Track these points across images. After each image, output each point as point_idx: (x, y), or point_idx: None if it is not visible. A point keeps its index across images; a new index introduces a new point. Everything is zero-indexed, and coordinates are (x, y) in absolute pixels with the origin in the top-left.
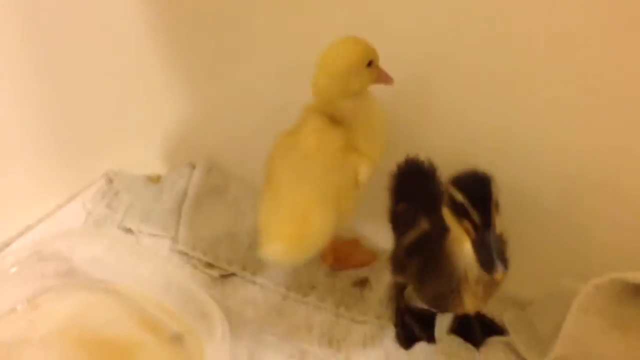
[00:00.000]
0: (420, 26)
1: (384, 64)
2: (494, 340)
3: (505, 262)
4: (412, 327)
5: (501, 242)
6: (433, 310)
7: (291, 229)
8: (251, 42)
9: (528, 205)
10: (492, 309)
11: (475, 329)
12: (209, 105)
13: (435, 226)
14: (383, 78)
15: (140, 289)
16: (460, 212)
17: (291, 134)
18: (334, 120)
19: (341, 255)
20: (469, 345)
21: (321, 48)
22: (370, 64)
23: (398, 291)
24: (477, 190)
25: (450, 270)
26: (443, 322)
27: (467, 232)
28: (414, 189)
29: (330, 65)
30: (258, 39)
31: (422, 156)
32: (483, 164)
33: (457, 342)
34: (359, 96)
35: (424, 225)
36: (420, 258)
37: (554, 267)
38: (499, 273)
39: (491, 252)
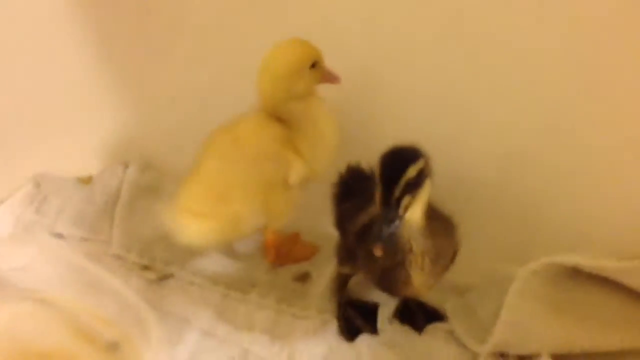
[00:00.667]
0: (368, 24)
1: (333, 62)
2: (436, 327)
3: (390, 244)
4: (354, 320)
5: (396, 224)
6: (384, 290)
7: (206, 207)
8: (181, 39)
9: (465, 192)
10: (434, 296)
11: (417, 316)
12: (141, 103)
13: None
14: (328, 77)
15: (73, 297)
16: (424, 176)
17: (228, 125)
18: (281, 122)
19: (282, 251)
20: (411, 335)
21: (255, 45)
22: (314, 65)
23: (341, 284)
24: (387, 168)
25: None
26: (385, 313)
27: (377, 204)
28: (358, 191)
29: (272, 68)
30: (189, 37)
31: (365, 161)
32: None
33: (399, 332)
34: (306, 99)
35: (372, 210)
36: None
37: (493, 253)
38: (377, 250)
39: (379, 228)
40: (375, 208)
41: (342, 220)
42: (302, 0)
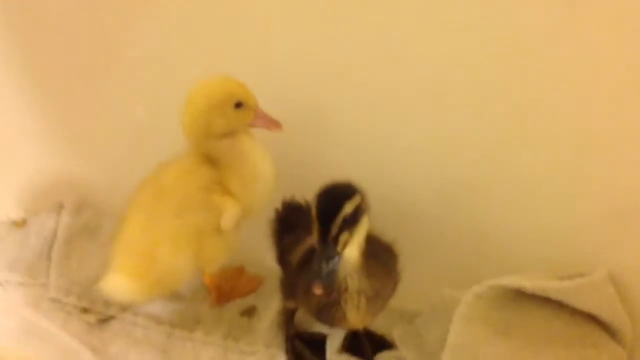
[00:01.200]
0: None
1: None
2: (385, 356)
3: (329, 281)
4: (302, 352)
5: (335, 261)
6: (323, 324)
7: (136, 265)
8: (116, 74)
9: (409, 220)
10: (381, 324)
11: (365, 345)
12: (75, 140)
13: None
14: (263, 122)
15: (11, 344)
16: (361, 212)
17: (153, 175)
18: (210, 160)
19: (225, 288)
20: None
21: (192, 79)
22: (238, 105)
23: (288, 317)
24: (323, 205)
25: None
26: (334, 344)
27: (315, 242)
28: (295, 225)
29: (192, 103)
30: (123, 72)
31: (300, 196)
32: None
33: None
34: (234, 137)
35: (310, 240)
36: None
37: (439, 279)
38: (317, 289)
39: (318, 266)
40: (312, 240)
41: (282, 255)
42: (243, 35)
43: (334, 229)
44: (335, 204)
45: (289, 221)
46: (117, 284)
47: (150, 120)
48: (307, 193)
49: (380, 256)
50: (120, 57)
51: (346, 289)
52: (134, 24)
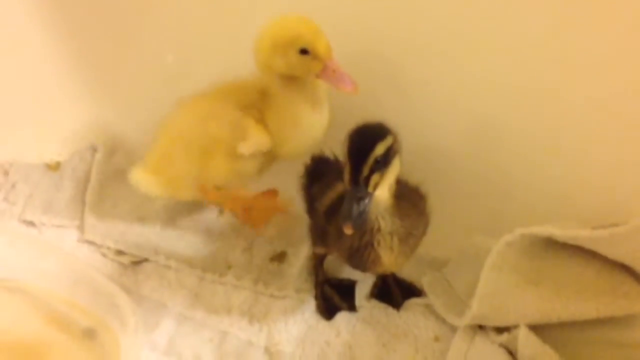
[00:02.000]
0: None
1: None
2: (413, 303)
3: (360, 222)
4: (332, 298)
5: (366, 203)
6: (356, 268)
7: (156, 163)
8: (146, 20)
9: (438, 166)
10: (410, 272)
11: (394, 292)
12: (106, 86)
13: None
14: (332, 78)
15: (46, 284)
16: (394, 153)
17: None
18: (261, 92)
19: (253, 212)
20: (389, 310)
21: (219, 24)
22: (304, 51)
23: (317, 263)
24: (355, 146)
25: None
26: (363, 290)
27: (346, 182)
28: (323, 175)
29: (260, 36)
30: (153, 17)
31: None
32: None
33: (377, 308)
34: (295, 81)
35: (339, 187)
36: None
37: (469, 227)
38: (347, 229)
39: (349, 207)
40: (342, 185)
41: (311, 204)
42: None
43: (365, 170)
44: (367, 145)
45: (318, 172)
46: (139, 176)
47: (179, 67)
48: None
49: (409, 197)
50: (151, 9)
51: (379, 230)
52: None
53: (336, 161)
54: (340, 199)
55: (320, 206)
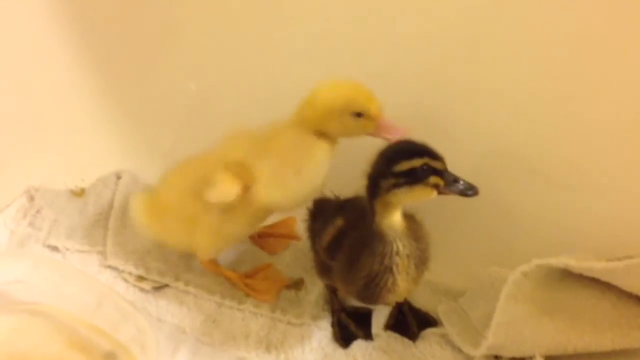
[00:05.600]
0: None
1: None
2: (429, 333)
3: (474, 186)
4: (348, 326)
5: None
6: (365, 304)
7: (152, 206)
8: (172, 48)
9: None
10: (426, 302)
11: (410, 322)
12: (132, 113)
13: (350, 219)
14: (385, 133)
15: (69, 308)
16: (422, 174)
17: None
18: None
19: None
20: (405, 340)
21: (241, 56)
22: (359, 115)
23: (332, 292)
24: (423, 148)
25: (381, 246)
26: (379, 319)
27: (434, 185)
28: (324, 211)
29: (313, 101)
30: (180, 46)
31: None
32: None
33: (393, 337)
34: (327, 139)
35: (338, 222)
36: (344, 250)
37: (485, 257)
38: (477, 193)
39: (464, 183)
40: (341, 220)
41: (314, 241)
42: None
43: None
44: (425, 144)
45: (319, 212)
46: (134, 207)
47: (202, 96)
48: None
49: (414, 218)
50: (176, 38)
51: (397, 253)
52: (188, 5)
53: (336, 199)
54: (340, 234)
55: (321, 242)
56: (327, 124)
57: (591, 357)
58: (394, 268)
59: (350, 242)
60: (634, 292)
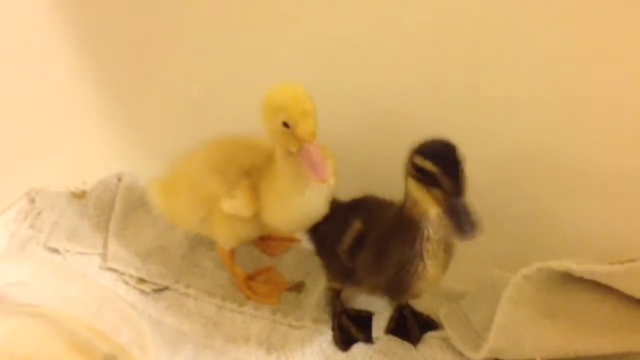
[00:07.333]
0: None
1: None
2: (430, 336)
3: (477, 225)
4: (349, 329)
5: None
6: (392, 298)
7: (166, 186)
8: (172, 51)
9: None
10: (427, 305)
11: (411, 326)
12: (133, 114)
13: (368, 219)
14: (308, 162)
15: (70, 310)
16: (430, 181)
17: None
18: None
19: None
20: (406, 343)
21: (243, 58)
22: (285, 125)
23: (334, 294)
24: (447, 159)
25: (412, 232)
26: (380, 323)
27: (437, 200)
28: (329, 218)
29: (263, 102)
30: (180, 49)
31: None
32: None
33: (394, 341)
34: (288, 158)
35: (356, 224)
36: (369, 245)
37: (486, 260)
38: (474, 236)
39: (465, 218)
40: (359, 223)
41: (322, 244)
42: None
43: (463, 179)
44: (455, 156)
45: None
46: (151, 189)
47: (203, 99)
48: None
49: None
50: (178, 41)
51: (428, 239)
52: (192, 8)
53: (335, 201)
54: (360, 234)
55: (341, 245)
56: (266, 124)
57: None
58: (425, 254)
59: (376, 235)
60: (636, 296)
